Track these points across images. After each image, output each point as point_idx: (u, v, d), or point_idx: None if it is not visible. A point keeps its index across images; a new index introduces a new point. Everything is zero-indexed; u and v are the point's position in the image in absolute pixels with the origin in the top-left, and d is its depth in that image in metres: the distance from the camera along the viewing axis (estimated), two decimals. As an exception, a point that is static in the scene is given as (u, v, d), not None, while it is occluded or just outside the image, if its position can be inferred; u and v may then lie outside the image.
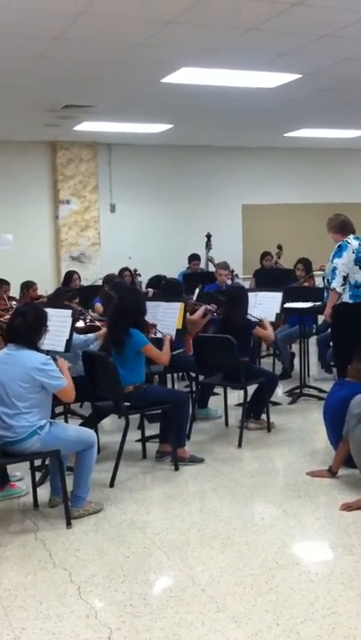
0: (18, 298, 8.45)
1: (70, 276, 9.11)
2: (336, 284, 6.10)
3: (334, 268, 6.11)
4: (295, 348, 8.32)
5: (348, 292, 6.14)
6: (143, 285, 8.70)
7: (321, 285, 6.40)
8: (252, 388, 6.08)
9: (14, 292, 8.64)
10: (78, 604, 3.33)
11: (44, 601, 3.37)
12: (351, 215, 6.67)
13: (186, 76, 6.68)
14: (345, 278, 6.09)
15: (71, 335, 5.14)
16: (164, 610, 3.25)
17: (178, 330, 5.67)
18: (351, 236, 6.24)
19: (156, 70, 6.53)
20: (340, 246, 6.17)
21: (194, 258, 10.19)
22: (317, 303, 6.95)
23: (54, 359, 4.42)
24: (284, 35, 5.48)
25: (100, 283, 8.78)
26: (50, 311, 4.63)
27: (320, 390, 7.20)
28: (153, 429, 5.76)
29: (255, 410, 6.19)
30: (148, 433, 5.67)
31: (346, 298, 6.15)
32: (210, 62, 6.24)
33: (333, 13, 5.02)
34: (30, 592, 3.46)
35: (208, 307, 6.53)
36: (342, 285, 6.11)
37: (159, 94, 7.51)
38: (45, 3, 4.64)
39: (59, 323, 5.10)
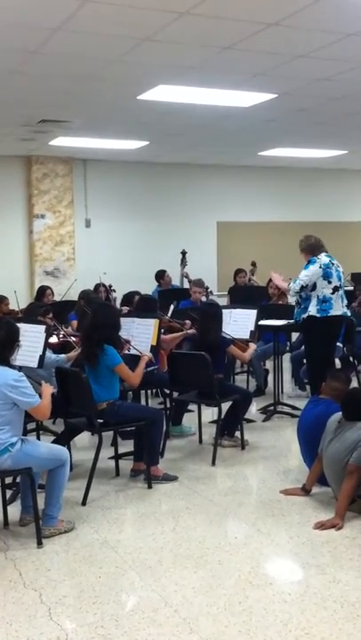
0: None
1: (43, 291, 9.05)
2: (293, 285, 6.23)
3: (297, 278, 6.21)
4: (269, 365, 8.33)
5: (315, 305, 6.19)
6: (118, 301, 8.68)
7: (293, 302, 6.48)
8: (226, 406, 6.06)
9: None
10: (49, 626, 3.26)
11: (13, 622, 3.30)
12: (324, 234, 6.74)
13: (162, 93, 6.70)
14: (303, 288, 6.17)
15: (44, 351, 5.09)
16: (136, 631, 3.20)
17: (152, 346, 5.66)
18: (323, 254, 6.31)
19: (132, 87, 6.54)
20: (308, 261, 6.26)
21: (162, 274, 10.09)
22: (291, 321, 6.98)
23: (39, 384, 4.38)
24: (260, 54, 5.53)
25: (71, 296, 8.72)
26: (23, 326, 4.59)
27: (294, 408, 7.21)
28: (126, 446, 5.71)
29: (229, 427, 6.18)
30: (121, 450, 5.62)
31: (313, 312, 6.19)
32: (186, 80, 6.27)
33: (309, 34, 5.08)
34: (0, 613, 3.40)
35: (190, 330, 6.54)
36: (297, 292, 6.22)
37: (135, 111, 7.52)
38: (22, 17, 4.63)
39: (32, 338, 5.05)
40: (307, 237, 6.49)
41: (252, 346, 6.36)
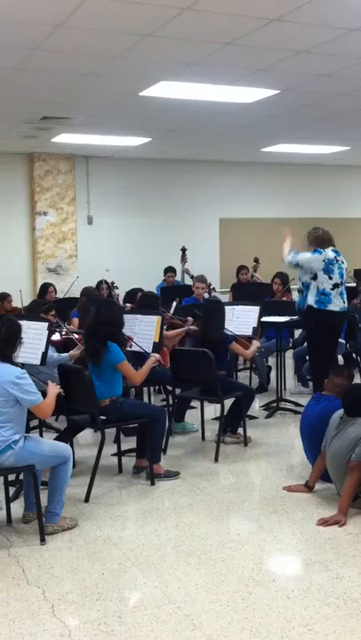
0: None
1: (46, 288, 9.04)
2: (290, 258, 6.28)
3: (298, 254, 6.27)
4: (272, 361, 8.33)
5: (314, 296, 6.17)
6: (120, 298, 8.68)
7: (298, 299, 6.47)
8: (228, 402, 6.05)
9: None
10: (52, 623, 3.27)
11: (16, 619, 3.30)
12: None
13: (164, 89, 6.69)
14: (298, 266, 6.23)
15: (47, 348, 5.09)
16: (140, 628, 3.20)
17: (155, 343, 5.65)
18: (330, 249, 6.29)
19: (134, 83, 6.53)
20: (314, 250, 6.25)
21: (169, 270, 10.19)
22: (294, 317, 6.97)
23: (45, 383, 4.37)
24: (261, 50, 5.51)
25: (73, 293, 8.73)
26: (26, 323, 4.58)
27: (297, 404, 7.21)
28: (129, 443, 5.71)
29: (232, 424, 6.18)
30: (124, 447, 5.63)
31: (311, 302, 6.18)
32: (188, 76, 6.26)
33: (310, 30, 5.06)
34: (3, 610, 3.39)
35: (192, 327, 6.54)
36: (290, 265, 6.29)
37: (137, 107, 7.51)
38: (23, 14, 4.62)
39: (34, 335, 5.05)
40: (315, 229, 6.43)
41: (255, 343, 6.35)
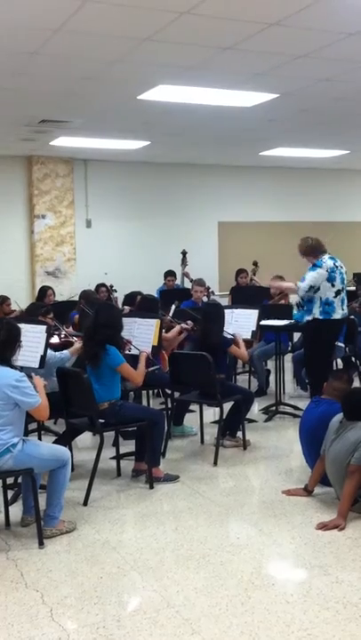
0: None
1: (45, 291, 9.05)
2: (302, 285, 6.20)
3: (304, 278, 6.24)
4: (271, 364, 8.32)
5: (318, 307, 6.21)
6: (119, 301, 8.69)
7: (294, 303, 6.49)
8: (227, 406, 6.05)
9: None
10: (50, 627, 3.26)
11: (15, 623, 3.30)
12: (326, 234, 6.73)
13: (162, 93, 6.70)
14: (311, 288, 6.19)
15: (45, 351, 5.08)
16: (138, 632, 3.19)
17: (153, 346, 5.65)
18: (326, 256, 6.32)
19: (132, 87, 6.54)
20: (314, 264, 6.26)
21: (169, 274, 10.21)
22: (293, 321, 6.98)
23: (30, 377, 4.36)
24: (260, 54, 5.52)
25: (75, 298, 8.75)
26: (24, 327, 4.58)
27: (296, 408, 7.20)
28: (128, 447, 5.70)
29: (231, 427, 6.17)
30: (122, 450, 5.62)
31: (317, 314, 6.21)
32: (186, 80, 6.27)
33: (310, 34, 5.07)
34: (1, 614, 3.38)
35: (184, 325, 6.53)
36: (306, 292, 6.21)
37: (136, 111, 7.52)
38: (22, 19, 4.63)
39: (33, 338, 5.05)
40: (304, 240, 6.47)
41: (239, 337, 6.26)
